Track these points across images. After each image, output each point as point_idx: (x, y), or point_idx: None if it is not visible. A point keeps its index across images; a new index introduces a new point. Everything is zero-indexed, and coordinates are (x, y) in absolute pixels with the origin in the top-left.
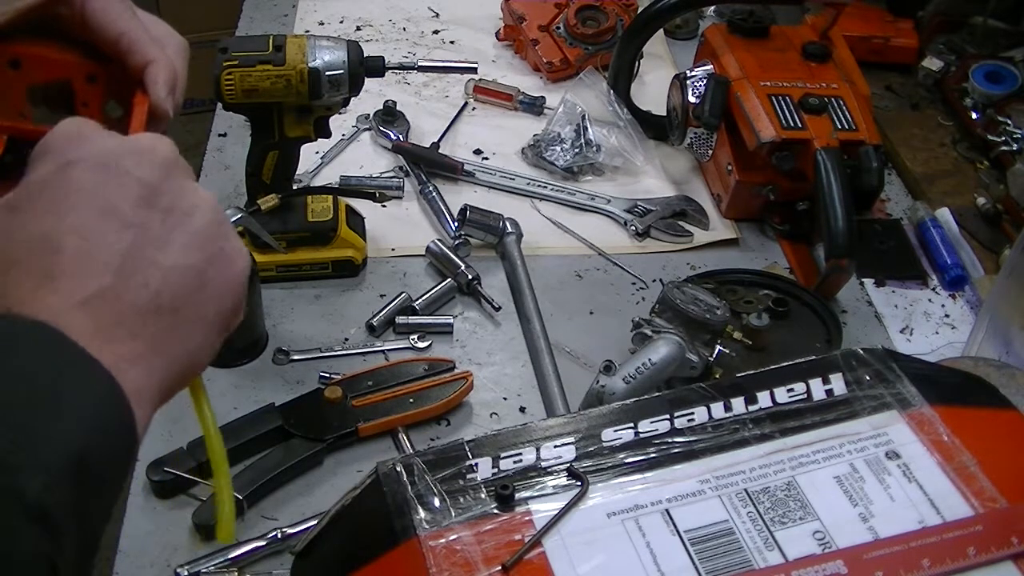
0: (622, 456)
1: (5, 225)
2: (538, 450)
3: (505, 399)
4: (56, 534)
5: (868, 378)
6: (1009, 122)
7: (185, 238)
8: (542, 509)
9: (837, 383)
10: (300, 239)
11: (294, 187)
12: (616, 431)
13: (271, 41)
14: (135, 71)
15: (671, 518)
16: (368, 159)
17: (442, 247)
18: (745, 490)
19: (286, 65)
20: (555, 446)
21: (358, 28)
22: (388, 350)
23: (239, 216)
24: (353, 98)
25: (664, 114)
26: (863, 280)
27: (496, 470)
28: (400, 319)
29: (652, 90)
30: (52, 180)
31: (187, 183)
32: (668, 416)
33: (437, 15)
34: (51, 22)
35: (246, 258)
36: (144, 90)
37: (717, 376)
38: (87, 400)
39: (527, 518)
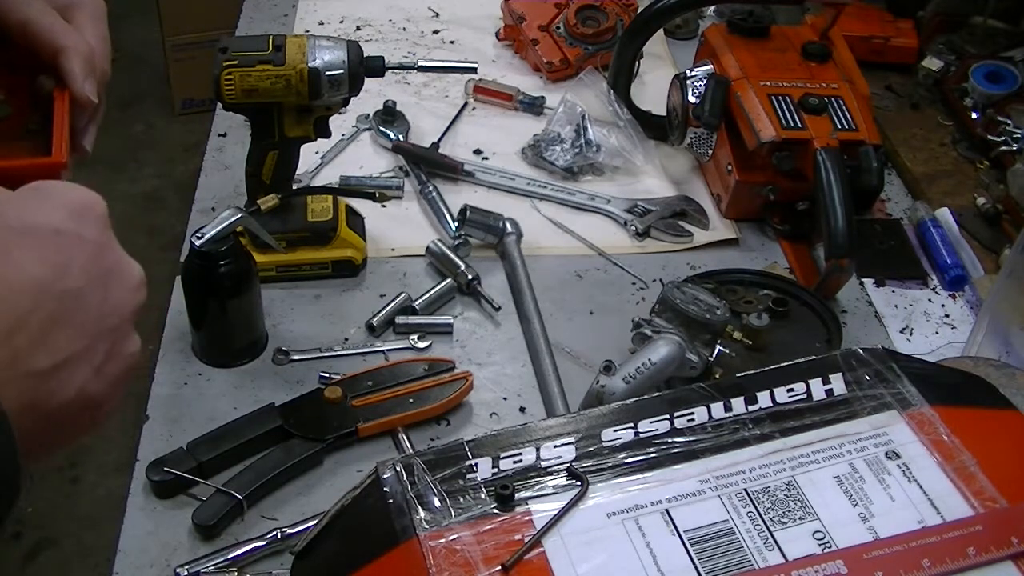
0: (622, 456)
1: None
2: (538, 450)
3: (505, 399)
4: None
5: (868, 378)
6: (1009, 122)
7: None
8: (542, 509)
9: (837, 383)
10: (300, 239)
11: (294, 187)
12: (616, 431)
13: (271, 41)
14: (50, 59)
15: (671, 518)
16: (368, 159)
17: (442, 247)
18: (745, 490)
19: (286, 65)
20: (555, 446)
21: (358, 28)
22: (388, 350)
23: (239, 216)
24: (353, 98)
25: (664, 114)
26: (863, 280)
27: (496, 470)
28: (400, 319)
29: (652, 90)
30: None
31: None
32: (668, 416)
33: (437, 15)
34: None
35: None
36: (62, 82)
37: (717, 376)
38: None
39: (527, 518)
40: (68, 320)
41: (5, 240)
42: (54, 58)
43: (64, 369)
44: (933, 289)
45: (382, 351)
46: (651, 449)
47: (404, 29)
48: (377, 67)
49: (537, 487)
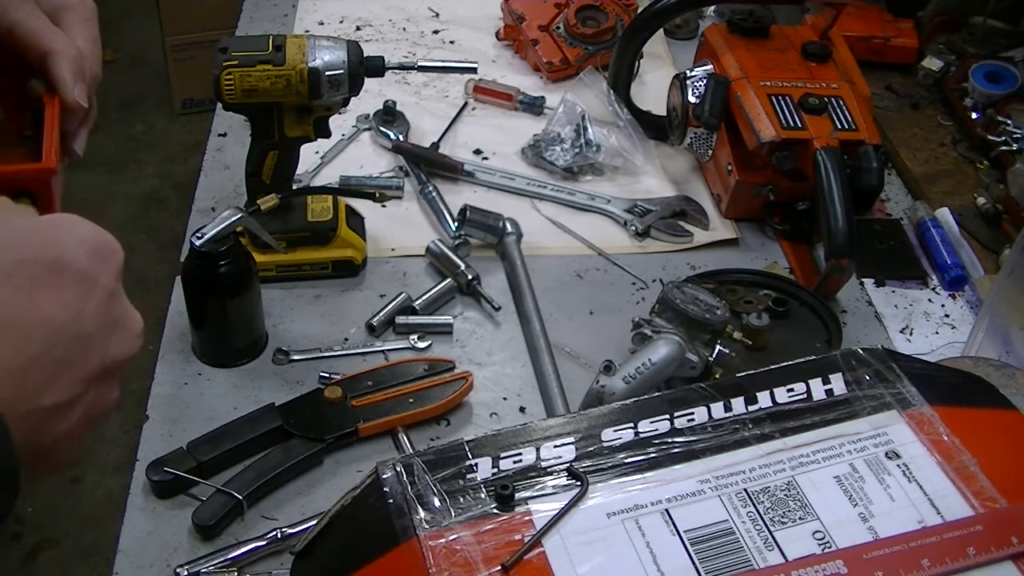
0: (622, 456)
1: None
2: (538, 450)
3: (505, 399)
4: None
5: (868, 378)
6: (1009, 122)
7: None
8: (542, 509)
9: (837, 383)
10: (300, 239)
11: (294, 187)
12: (616, 431)
13: (271, 41)
14: (38, 63)
15: (671, 518)
16: (368, 159)
17: (442, 247)
18: (745, 490)
19: (286, 65)
20: (555, 446)
21: (358, 28)
22: (388, 350)
23: (239, 216)
24: (353, 98)
25: (664, 114)
26: (863, 280)
27: (496, 470)
28: (400, 319)
29: (652, 90)
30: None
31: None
32: (668, 416)
33: (437, 15)
34: None
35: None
36: (51, 87)
37: (717, 376)
38: None
39: (527, 518)
40: (75, 363)
41: (32, 275)
42: (42, 62)
43: (64, 409)
44: (933, 289)
45: (382, 351)
46: (651, 449)
47: (404, 29)
48: (377, 67)
49: (537, 487)
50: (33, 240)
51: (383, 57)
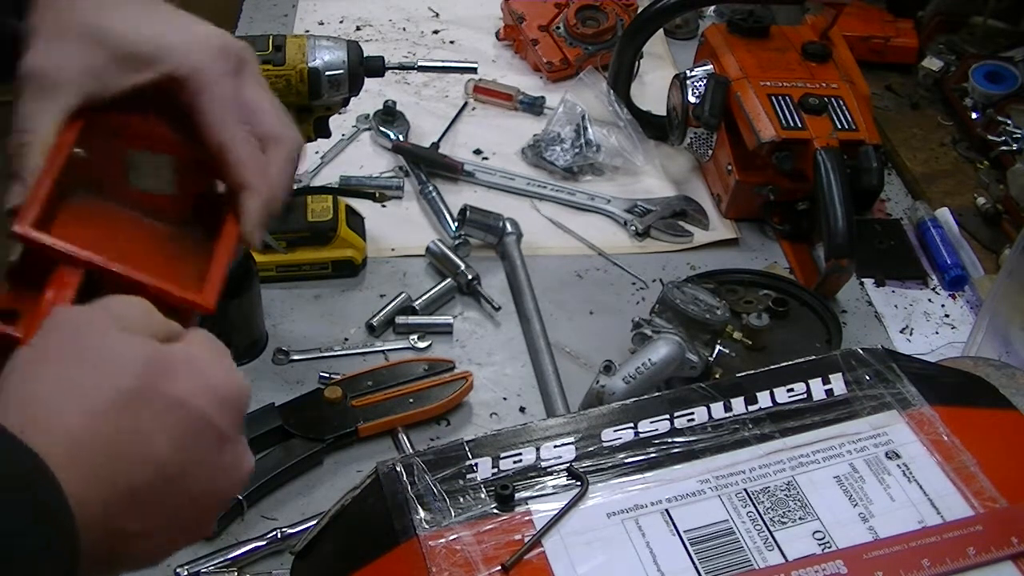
0: (622, 456)
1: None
2: (538, 450)
3: (505, 399)
4: None
5: (868, 378)
6: (1009, 122)
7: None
8: (542, 509)
9: (837, 383)
10: (300, 239)
11: (294, 187)
12: (616, 431)
13: (271, 41)
14: (231, 188)
15: (671, 518)
16: (368, 159)
17: (442, 247)
18: (745, 490)
19: (286, 65)
20: (555, 446)
21: (358, 28)
22: (388, 350)
23: None
24: (353, 98)
25: (664, 114)
26: (863, 280)
27: (496, 470)
28: (400, 319)
29: (652, 90)
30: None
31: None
32: (668, 416)
33: (437, 15)
34: (170, 108)
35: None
36: (236, 213)
37: (717, 376)
38: None
39: (527, 518)
40: (167, 503)
41: (151, 407)
42: (236, 191)
43: (144, 539)
44: (933, 289)
45: (382, 351)
46: (651, 449)
47: (404, 29)
48: (377, 67)
49: (537, 487)
50: (164, 374)
51: (383, 57)
